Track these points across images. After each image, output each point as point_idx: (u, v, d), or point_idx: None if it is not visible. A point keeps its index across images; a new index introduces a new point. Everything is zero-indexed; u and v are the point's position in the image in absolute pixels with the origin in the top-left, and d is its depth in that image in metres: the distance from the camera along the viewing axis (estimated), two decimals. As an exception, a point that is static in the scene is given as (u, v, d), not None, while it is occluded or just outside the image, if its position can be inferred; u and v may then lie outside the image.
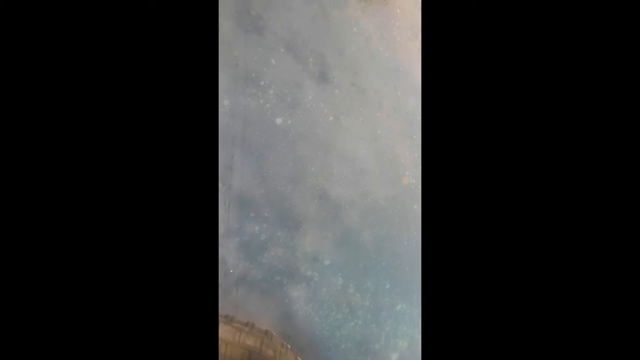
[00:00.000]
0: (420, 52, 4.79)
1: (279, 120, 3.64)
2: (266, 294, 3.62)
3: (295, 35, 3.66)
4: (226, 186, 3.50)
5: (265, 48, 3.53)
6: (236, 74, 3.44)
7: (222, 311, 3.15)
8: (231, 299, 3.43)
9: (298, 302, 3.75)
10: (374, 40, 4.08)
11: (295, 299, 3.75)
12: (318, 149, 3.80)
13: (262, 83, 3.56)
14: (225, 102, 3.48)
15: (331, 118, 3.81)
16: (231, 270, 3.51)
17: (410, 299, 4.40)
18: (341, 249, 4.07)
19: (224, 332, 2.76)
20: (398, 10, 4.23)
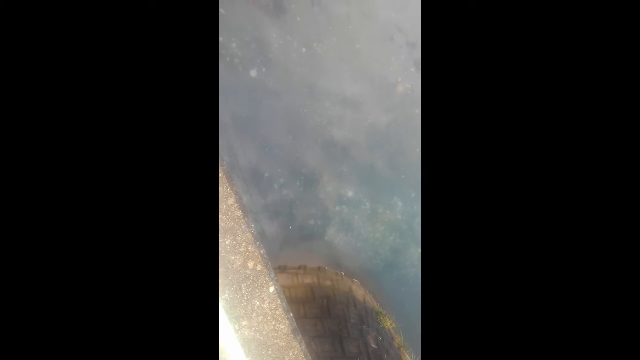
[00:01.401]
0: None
1: (253, 73, 3.41)
2: (308, 239, 3.87)
3: (231, -30, 3.19)
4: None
5: (206, -2, 3.14)
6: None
7: (274, 264, 3.45)
8: (279, 254, 3.71)
9: (337, 235, 4.00)
10: (318, -59, 3.51)
11: (334, 234, 3.99)
12: (303, 88, 3.61)
13: (221, 38, 3.25)
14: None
15: (304, 49, 3.52)
16: (290, 227, 3.69)
17: (438, 199, 4.56)
18: (359, 177, 4.14)
19: (282, 279, 3.06)
20: None
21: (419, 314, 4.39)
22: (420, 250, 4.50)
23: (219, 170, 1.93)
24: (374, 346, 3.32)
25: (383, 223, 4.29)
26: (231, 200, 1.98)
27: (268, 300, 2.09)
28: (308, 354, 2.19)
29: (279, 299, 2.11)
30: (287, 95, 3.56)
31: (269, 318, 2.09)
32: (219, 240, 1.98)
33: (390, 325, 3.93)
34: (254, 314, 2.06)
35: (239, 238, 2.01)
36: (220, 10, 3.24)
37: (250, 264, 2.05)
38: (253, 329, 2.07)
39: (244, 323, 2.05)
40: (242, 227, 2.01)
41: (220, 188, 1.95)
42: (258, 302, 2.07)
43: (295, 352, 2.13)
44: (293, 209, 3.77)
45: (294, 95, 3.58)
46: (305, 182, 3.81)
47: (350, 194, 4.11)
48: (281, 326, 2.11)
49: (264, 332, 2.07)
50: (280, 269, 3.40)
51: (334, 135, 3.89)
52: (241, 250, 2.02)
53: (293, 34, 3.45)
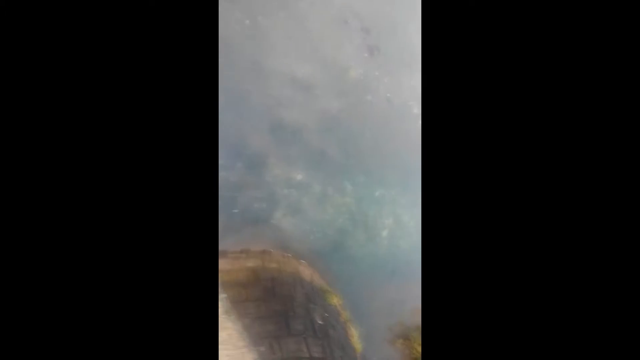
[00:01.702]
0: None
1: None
2: (252, 223, 3.79)
3: None
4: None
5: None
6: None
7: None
8: (223, 240, 3.57)
9: (285, 218, 3.99)
10: None
11: (281, 217, 3.97)
12: (246, 63, 3.42)
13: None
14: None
15: (247, 22, 3.31)
16: (235, 210, 3.52)
17: (387, 183, 4.77)
18: (309, 161, 4.14)
19: (222, 264, 2.98)
20: None
21: (365, 290, 4.62)
22: (368, 231, 4.70)
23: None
24: (320, 322, 3.44)
25: (332, 206, 4.38)
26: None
27: (200, 283, 2.03)
28: (244, 332, 2.18)
29: (212, 282, 2.06)
30: (226, 67, 3.35)
31: (201, 301, 2.03)
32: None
33: (337, 302, 4.10)
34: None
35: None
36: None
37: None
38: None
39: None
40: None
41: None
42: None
43: (229, 332, 2.11)
44: (235, 192, 3.65)
45: (235, 69, 3.38)
46: (249, 164, 3.69)
47: (299, 177, 4.10)
48: (215, 309, 2.07)
49: (196, 316, 2.01)
50: (221, 254, 3.30)
51: (284, 118, 3.80)
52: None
53: (234, 2, 3.22)
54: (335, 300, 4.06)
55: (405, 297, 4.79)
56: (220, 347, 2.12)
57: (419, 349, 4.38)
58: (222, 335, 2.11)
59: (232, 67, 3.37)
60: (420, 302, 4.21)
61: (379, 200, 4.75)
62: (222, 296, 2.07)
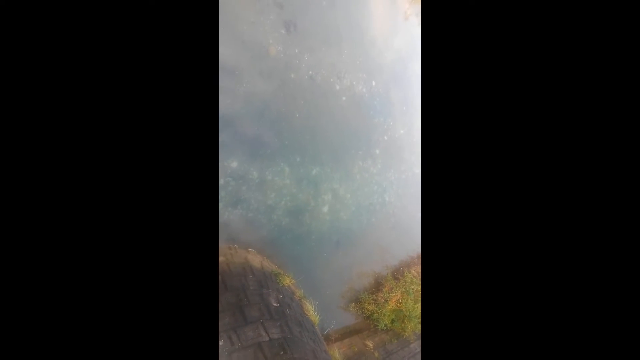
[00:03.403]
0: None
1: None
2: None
3: None
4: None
5: None
6: None
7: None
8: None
9: (226, 209, 3.81)
10: None
11: (222, 209, 3.77)
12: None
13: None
14: None
15: None
16: None
17: (321, 161, 4.91)
18: (242, 147, 3.97)
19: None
20: None
21: (315, 266, 4.80)
22: (310, 210, 4.82)
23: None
24: (275, 305, 3.47)
25: (273, 190, 4.33)
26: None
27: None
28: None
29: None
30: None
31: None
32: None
33: (290, 282, 4.18)
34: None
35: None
36: None
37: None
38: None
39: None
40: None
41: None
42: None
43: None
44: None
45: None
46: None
47: (234, 164, 3.91)
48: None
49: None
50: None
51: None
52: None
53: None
54: (287, 281, 4.14)
55: (350, 263, 5.18)
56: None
57: (370, 307, 4.84)
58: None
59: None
60: (363, 266, 4.55)
61: (316, 179, 4.89)
62: None
